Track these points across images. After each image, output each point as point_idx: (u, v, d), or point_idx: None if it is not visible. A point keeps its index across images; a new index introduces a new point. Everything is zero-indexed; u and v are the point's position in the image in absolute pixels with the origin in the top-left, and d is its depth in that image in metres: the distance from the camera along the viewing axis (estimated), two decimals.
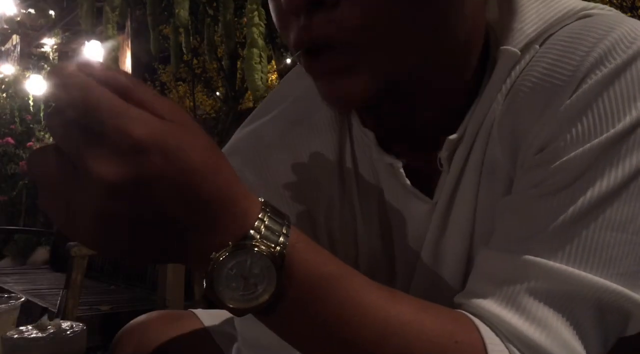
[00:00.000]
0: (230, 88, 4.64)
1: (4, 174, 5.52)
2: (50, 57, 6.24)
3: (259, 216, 0.39)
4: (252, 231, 0.38)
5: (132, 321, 0.84)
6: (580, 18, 0.51)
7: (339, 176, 0.60)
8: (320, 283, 0.40)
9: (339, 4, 0.44)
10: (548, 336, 0.43)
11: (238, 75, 4.41)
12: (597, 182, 0.45)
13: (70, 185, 0.34)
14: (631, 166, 0.45)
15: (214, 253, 0.37)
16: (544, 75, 0.49)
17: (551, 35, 0.51)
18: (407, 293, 0.47)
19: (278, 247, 0.38)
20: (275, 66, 4.52)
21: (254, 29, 2.19)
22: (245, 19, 2.28)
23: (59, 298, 2.50)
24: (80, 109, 0.34)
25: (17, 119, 5.87)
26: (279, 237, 0.39)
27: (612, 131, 0.45)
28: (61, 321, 0.77)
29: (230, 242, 0.37)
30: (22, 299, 0.86)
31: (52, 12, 4.92)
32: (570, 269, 0.44)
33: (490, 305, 0.46)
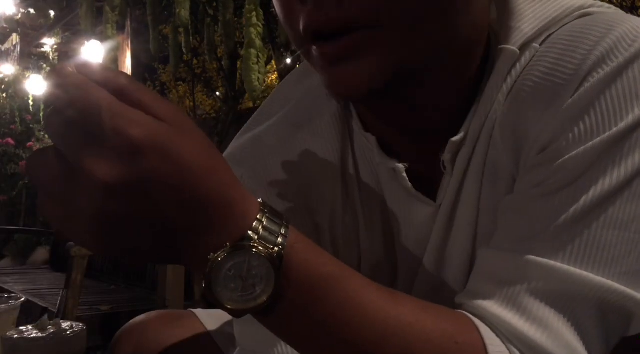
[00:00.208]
0: (230, 88, 4.65)
1: (4, 174, 5.52)
2: (50, 57, 6.24)
3: (257, 216, 0.39)
4: (250, 232, 0.38)
5: (131, 321, 0.84)
6: (580, 16, 0.51)
7: (342, 182, 0.60)
8: (320, 283, 0.40)
9: None
10: (549, 336, 0.43)
11: (238, 75, 4.41)
12: (599, 181, 0.45)
13: (69, 186, 0.34)
14: (633, 165, 0.45)
15: (212, 254, 0.37)
16: (546, 75, 0.49)
17: (551, 34, 0.51)
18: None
19: (276, 248, 0.38)
20: (275, 66, 4.52)
21: (252, 30, 2.19)
22: (244, 19, 2.28)
23: (59, 298, 2.50)
24: (78, 111, 0.34)
25: (17, 119, 5.87)
26: (278, 238, 0.39)
27: (614, 129, 0.45)
28: (61, 321, 0.77)
29: (228, 243, 0.37)
30: (22, 299, 0.86)
31: (52, 12, 4.92)
32: (572, 269, 0.44)
33: (491, 306, 0.45)
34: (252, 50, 2.18)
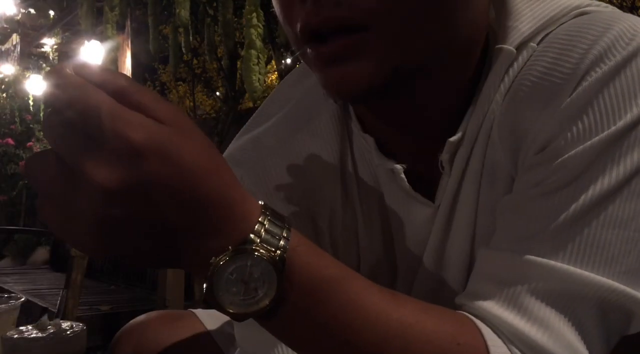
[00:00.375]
0: (230, 88, 4.65)
1: (4, 174, 5.52)
2: (50, 57, 6.24)
3: (259, 219, 0.38)
4: (252, 235, 0.37)
5: (131, 321, 0.84)
6: (577, 15, 0.51)
7: (341, 182, 0.60)
8: (322, 286, 0.40)
9: None
10: (550, 336, 0.43)
11: (238, 75, 4.41)
12: (598, 179, 0.45)
13: (68, 189, 0.34)
14: (632, 163, 0.45)
15: (213, 258, 0.37)
16: (543, 74, 0.49)
17: (549, 33, 0.51)
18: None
19: (279, 251, 0.38)
20: (275, 66, 4.52)
21: (252, 31, 2.19)
22: (244, 19, 2.28)
23: (59, 298, 2.50)
24: (77, 113, 0.33)
25: (17, 119, 5.87)
26: (280, 240, 0.38)
27: (613, 128, 0.45)
28: (61, 321, 0.77)
29: (230, 247, 0.37)
30: (22, 299, 0.86)
31: (52, 12, 4.91)
32: (572, 268, 0.44)
33: (491, 306, 0.45)
34: (253, 51, 2.18)
